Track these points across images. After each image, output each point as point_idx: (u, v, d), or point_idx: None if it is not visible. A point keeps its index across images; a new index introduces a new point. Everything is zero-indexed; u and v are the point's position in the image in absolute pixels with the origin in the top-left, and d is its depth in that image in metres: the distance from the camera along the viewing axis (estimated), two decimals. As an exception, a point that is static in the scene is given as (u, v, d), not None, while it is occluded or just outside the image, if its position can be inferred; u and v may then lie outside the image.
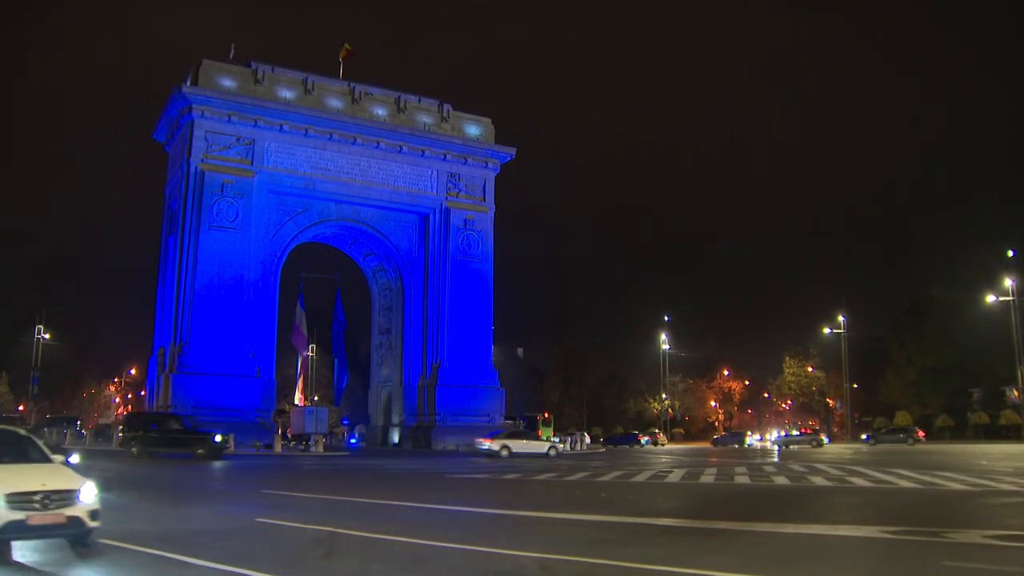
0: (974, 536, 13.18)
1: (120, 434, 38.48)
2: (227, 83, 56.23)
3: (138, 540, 12.43)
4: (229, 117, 55.17)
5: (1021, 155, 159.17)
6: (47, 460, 11.35)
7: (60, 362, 77.18)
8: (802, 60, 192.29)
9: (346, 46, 62.51)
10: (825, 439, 70.27)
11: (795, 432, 75.56)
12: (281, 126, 56.74)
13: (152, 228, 71.03)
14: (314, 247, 64.63)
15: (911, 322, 79.95)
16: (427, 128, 62.66)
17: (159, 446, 36.98)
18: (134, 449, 37.00)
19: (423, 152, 61.81)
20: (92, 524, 10.67)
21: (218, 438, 37.72)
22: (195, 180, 54.19)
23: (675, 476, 28.40)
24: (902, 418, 77.62)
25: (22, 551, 11.32)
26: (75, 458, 15.88)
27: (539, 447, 44.65)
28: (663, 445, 73.07)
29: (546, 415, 75.87)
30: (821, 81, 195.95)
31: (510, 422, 62.99)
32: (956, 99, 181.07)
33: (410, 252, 62.65)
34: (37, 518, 9.81)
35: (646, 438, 74.90)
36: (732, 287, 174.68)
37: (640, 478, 27.29)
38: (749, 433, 79.72)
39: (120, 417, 40.64)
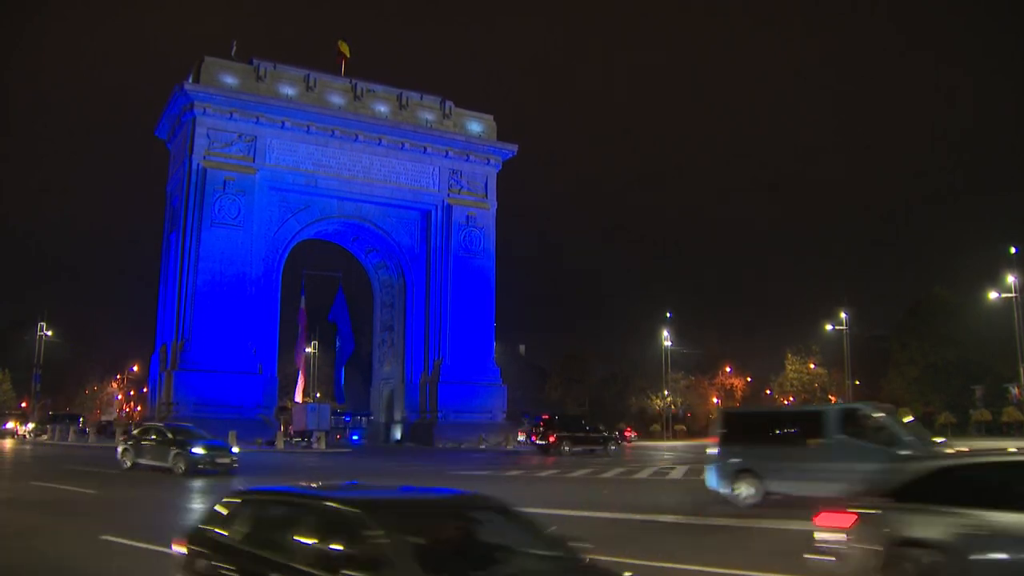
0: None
1: (552, 436, 44.26)
2: (229, 80, 56.22)
3: (140, 536, 12.44)
4: (231, 114, 55.20)
5: (1023, 153, 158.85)
6: None
7: (62, 360, 77.20)
8: (804, 59, 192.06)
9: (343, 46, 62.39)
10: None
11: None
12: (283, 123, 56.74)
13: (154, 225, 71.13)
14: (316, 244, 64.69)
15: (913, 320, 79.82)
16: (429, 125, 62.64)
17: (578, 444, 43.61)
18: (566, 447, 42.98)
19: (425, 149, 61.79)
20: None
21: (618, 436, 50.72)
22: (197, 177, 54.22)
23: (677, 473, 28.41)
24: (904, 415, 77.57)
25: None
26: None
27: None
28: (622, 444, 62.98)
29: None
30: (823, 80, 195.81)
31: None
32: (959, 97, 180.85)
33: (412, 249, 62.67)
34: None
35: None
36: (734, 284, 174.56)
37: (642, 475, 27.30)
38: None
39: (546, 421, 47.26)
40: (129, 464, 26.09)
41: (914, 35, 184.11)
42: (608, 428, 54.50)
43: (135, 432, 27.42)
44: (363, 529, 5.48)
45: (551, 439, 43.83)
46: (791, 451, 17.39)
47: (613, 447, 45.64)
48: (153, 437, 26.14)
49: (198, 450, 24.76)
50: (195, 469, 24.18)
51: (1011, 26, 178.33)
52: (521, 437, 53.90)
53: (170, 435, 25.77)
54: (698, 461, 36.50)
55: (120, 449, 26.92)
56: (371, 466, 34.27)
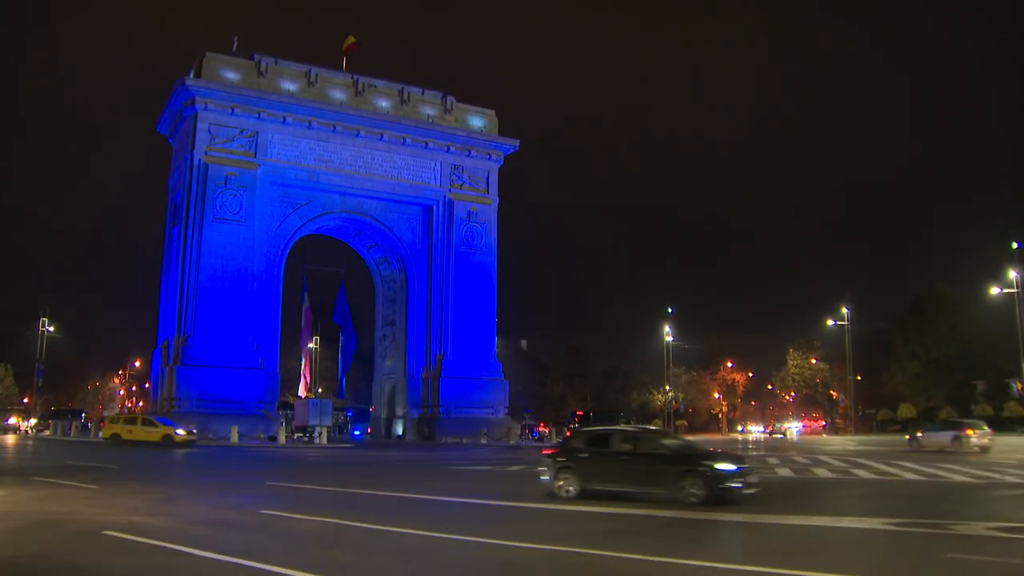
0: (979, 528, 13.15)
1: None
2: (230, 76, 56.14)
3: (142, 531, 12.46)
4: (232, 109, 55.13)
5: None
6: None
7: (64, 355, 77.36)
8: (808, 56, 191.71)
9: (350, 38, 62.54)
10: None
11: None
12: (284, 118, 56.67)
13: (156, 221, 71.13)
14: (318, 239, 64.68)
15: (915, 315, 79.75)
16: (430, 120, 62.56)
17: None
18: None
19: (426, 144, 61.71)
20: None
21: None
22: (199, 172, 54.19)
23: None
24: (906, 410, 77.51)
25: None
26: None
27: None
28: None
29: None
30: (826, 76, 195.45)
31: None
32: (961, 93, 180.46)
33: (414, 244, 62.64)
34: None
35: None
36: (736, 280, 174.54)
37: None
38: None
39: (580, 417, 47.98)
40: (574, 491, 17.10)
41: (916, 29, 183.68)
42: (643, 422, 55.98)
43: (576, 441, 18.57)
44: None
45: None
46: None
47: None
48: (622, 447, 17.20)
49: (725, 465, 16.15)
50: (716, 498, 15.62)
51: (1013, 22, 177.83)
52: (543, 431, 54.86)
53: (664, 442, 17.40)
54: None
55: (553, 468, 17.66)
56: (375, 459, 34.26)
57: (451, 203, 62.43)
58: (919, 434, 41.27)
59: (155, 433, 38.91)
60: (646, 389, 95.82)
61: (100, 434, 40.13)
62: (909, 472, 24.85)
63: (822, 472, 25.60)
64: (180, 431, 39.63)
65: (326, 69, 60.48)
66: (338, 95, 59.81)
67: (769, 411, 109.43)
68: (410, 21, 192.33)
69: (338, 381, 69.05)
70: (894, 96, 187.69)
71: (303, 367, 65.42)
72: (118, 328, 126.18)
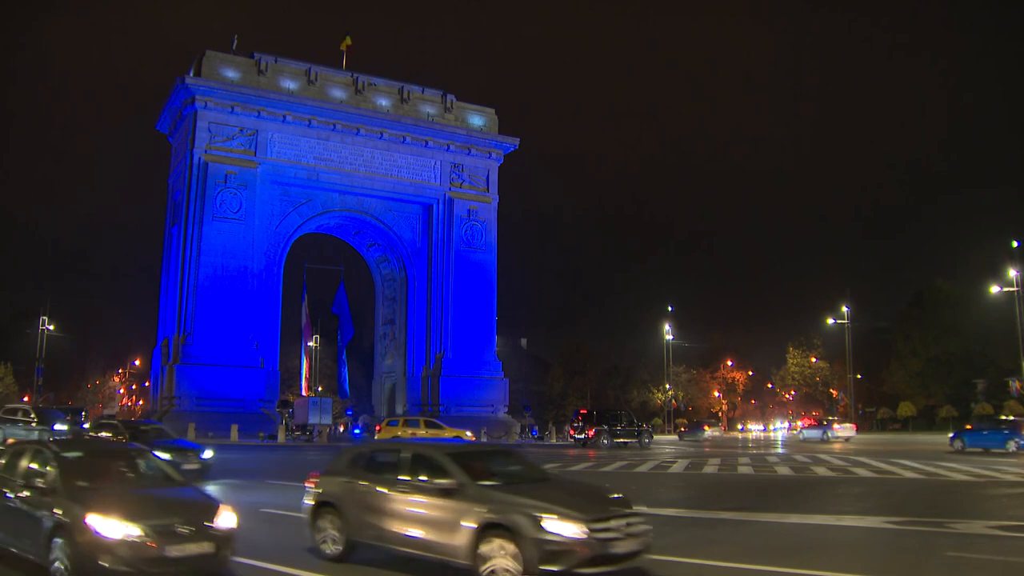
0: (978, 526, 13.16)
1: (591, 431, 45.69)
2: (230, 74, 56.13)
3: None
4: (232, 108, 55.11)
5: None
6: None
7: (64, 354, 77.18)
8: (808, 55, 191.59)
9: (347, 40, 62.52)
10: None
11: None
12: (284, 117, 56.64)
13: (156, 219, 71.08)
14: (318, 238, 64.68)
15: (916, 313, 79.61)
16: (430, 119, 62.53)
17: (616, 437, 45.56)
18: (604, 441, 44.71)
19: (426, 143, 61.68)
20: None
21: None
22: (199, 171, 54.18)
23: (678, 467, 28.41)
24: (905, 409, 77.47)
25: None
26: None
27: None
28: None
29: None
30: (826, 75, 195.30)
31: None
32: (961, 91, 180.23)
33: (414, 243, 62.64)
34: None
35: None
36: (737, 278, 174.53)
37: (643, 468, 27.28)
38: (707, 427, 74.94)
39: (583, 416, 48.20)
40: None
41: (915, 28, 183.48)
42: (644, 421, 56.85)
43: None
44: None
45: (590, 433, 45.00)
46: None
47: (647, 440, 47.03)
48: None
49: None
50: None
51: (1014, 18, 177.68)
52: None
53: None
54: (699, 455, 36.57)
55: None
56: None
57: (451, 202, 62.42)
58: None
59: (443, 436, 39.98)
60: (646, 387, 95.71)
61: (375, 439, 40.32)
62: (909, 471, 24.83)
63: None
64: (468, 433, 41.47)
65: (326, 67, 60.45)
66: (338, 93, 59.78)
67: (769, 409, 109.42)
68: (410, 21, 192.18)
69: (338, 380, 68.96)
70: (897, 94, 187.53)
71: (303, 366, 65.39)
72: (118, 327, 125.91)
